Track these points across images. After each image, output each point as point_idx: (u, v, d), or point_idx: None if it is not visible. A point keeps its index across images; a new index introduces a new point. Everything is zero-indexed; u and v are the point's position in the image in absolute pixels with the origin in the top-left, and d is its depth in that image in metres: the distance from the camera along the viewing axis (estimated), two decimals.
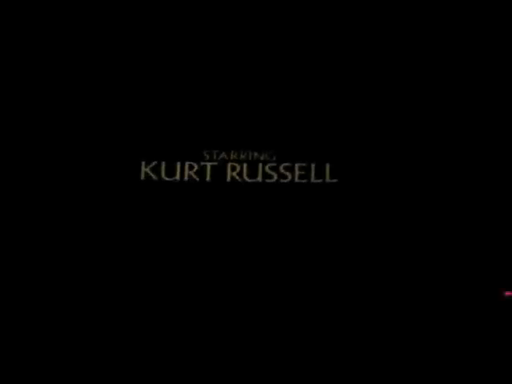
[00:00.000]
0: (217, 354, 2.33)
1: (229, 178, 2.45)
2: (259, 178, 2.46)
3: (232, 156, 2.46)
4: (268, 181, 2.46)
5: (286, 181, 2.46)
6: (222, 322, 2.35)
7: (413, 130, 2.47)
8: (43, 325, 2.35)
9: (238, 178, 2.45)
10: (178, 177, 2.44)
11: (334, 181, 2.45)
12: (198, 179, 2.45)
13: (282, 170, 2.46)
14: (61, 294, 2.36)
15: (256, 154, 2.46)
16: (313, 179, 2.46)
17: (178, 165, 2.45)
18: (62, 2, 2.50)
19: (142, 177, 2.44)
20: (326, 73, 2.49)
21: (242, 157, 2.46)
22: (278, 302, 2.37)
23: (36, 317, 2.36)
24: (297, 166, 2.46)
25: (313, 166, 2.46)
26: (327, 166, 2.46)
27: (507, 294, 2.37)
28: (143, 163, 2.44)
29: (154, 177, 2.44)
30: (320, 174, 2.46)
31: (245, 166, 2.46)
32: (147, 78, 2.48)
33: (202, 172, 2.45)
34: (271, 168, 2.46)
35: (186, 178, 2.44)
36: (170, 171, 2.45)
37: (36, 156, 2.43)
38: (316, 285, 2.39)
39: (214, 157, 2.46)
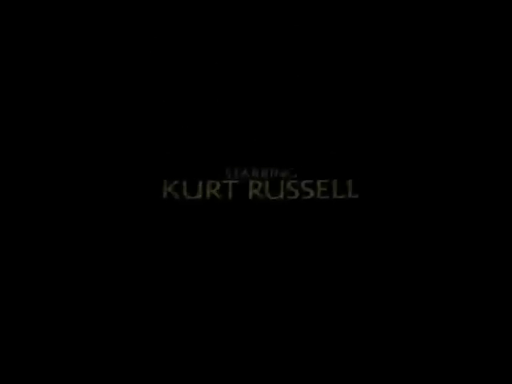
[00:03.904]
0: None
1: (251, 196, 2.46)
2: (281, 195, 2.46)
3: (254, 173, 2.46)
4: (290, 197, 2.46)
5: (308, 197, 2.46)
6: (239, 337, 2.39)
7: (437, 145, 2.46)
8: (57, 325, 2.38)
9: (260, 195, 2.46)
10: (200, 195, 2.45)
11: (356, 196, 2.45)
12: (219, 197, 2.45)
13: (303, 186, 2.46)
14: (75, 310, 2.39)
15: (277, 171, 2.46)
16: (335, 195, 2.46)
17: (200, 183, 2.45)
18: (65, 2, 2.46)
19: (165, 195, 2.44)
20: (346, 90, 2.47)
21: (264, 174, 2.46)
22: (298, 319, 2.41)
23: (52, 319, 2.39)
24: (319, 182, 2.46)
25: (334, 182, 2.46)
26: (349, 183, 2.46)
27: None
28: (165, 182, 2.44)
29: (176, 195, 2.44)
30: (342, 190, 2.46)
31: (267, 183, 2.46)
32: (169, 97, 2.46)
33: (224, 190, 2.45)
34: (293, 185, 2.46)
35: (208, 196, 2.45)
36: (192, 189, 2.45)
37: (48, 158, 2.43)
38: (339, 301, 2.42)
39: (236, 174, 2.45)
